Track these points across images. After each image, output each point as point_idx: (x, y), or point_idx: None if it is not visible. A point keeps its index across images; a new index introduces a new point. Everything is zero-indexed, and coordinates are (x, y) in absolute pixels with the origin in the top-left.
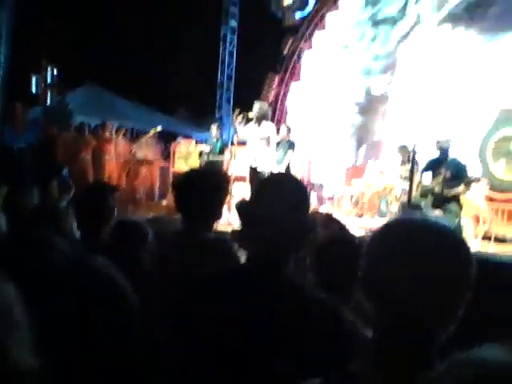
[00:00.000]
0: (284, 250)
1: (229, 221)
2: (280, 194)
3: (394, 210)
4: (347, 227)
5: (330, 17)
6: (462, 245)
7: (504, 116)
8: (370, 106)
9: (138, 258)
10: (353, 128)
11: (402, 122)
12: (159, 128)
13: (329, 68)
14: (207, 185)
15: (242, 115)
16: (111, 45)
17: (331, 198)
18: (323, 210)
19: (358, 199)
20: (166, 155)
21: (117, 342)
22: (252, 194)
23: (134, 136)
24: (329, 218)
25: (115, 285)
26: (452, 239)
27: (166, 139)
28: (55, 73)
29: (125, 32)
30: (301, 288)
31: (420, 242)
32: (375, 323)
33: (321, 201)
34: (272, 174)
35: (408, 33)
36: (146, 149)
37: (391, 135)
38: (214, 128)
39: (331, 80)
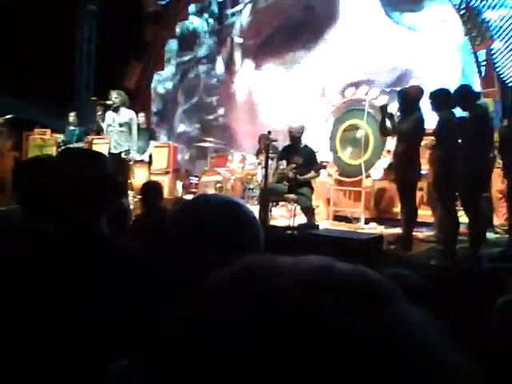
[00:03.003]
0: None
1: None
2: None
3: (255, 194)
4: None
5: (192, 7)
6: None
7: (349, 107)
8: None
9: None
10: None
11: (258, 113)
12: (9, 116)
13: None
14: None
15: (99, 103)
16: None
17: (196, 185)
18: (187, 197)
19: (222, 186)
20: (19, 145)
21: None
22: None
23: None
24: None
25: None
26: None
27: (20, 128)
28: None
29: None
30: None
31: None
32: None
33: (187, 188)
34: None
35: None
36: None
37: (250, 124)
38: (71, 116)
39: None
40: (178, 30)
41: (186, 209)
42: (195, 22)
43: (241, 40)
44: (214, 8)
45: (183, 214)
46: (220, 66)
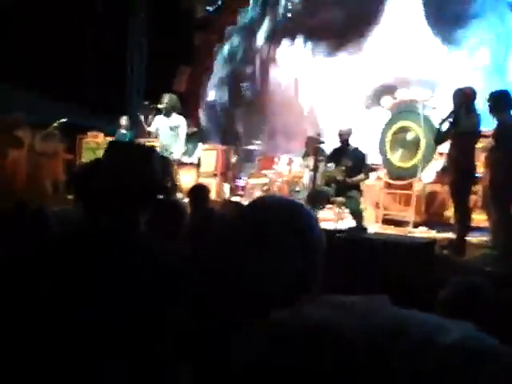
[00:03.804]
0: (129, 210)
1: None
2: (116, 159)
3: (302, 196)
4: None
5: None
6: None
7: (399, 109)
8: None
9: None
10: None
11: (307, 115)
12: (63, 120)
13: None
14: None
15: (151, 107)
16: (6, 34)
17: (243, 188)
18: (235, 199)
19: (268, 188)
20: (73, 148)
21: None
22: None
23: (38, 128)
24: (236, 205)
25: None
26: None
27: (73, 131)
28: None
29: (22, 20)
30: (150, 246)
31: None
32: None
33: (234, 191)
34: (111, 142)
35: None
36: (50, 141)
37: (298, 127)
38: (123, 120)
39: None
40: None
41: (243, 212)
42: None
43: (289, 14)
44: None
45: (240, 218)
46: (261, 38)
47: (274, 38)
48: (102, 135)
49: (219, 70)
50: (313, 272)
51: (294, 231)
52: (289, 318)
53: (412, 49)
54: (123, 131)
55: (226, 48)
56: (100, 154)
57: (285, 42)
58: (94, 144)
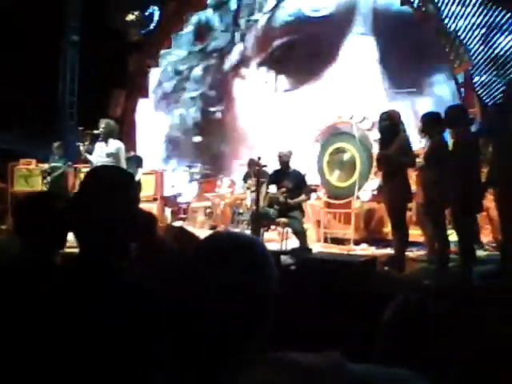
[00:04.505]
0: (112, 242)
1: None
2: (99, 186)
3: (245, 218)
4: (199, 239)
5: (174, 37)
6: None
7: (334, 131)
8: (209, 128)
9: None
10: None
11: (246, 139)
12: None
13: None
14: (49, 208)
15: (87, 133)
16: None
17: (186, 211)
18: (177, 223)
19: (211, 211)
20: (3, 175)
21: None
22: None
23: None
24: (180, 230)
25: None
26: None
27: (5, 159)
28: None
29: None
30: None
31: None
32: None
33: (176, 214)
34: (95, 168)
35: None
36: None
37: (237, 151)
38: (55, 146)
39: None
40: (193, 19)
41: (202, 247)
42: (210, 14)
43: (249, 50)
44: (231, 6)
45: (201, 251)
46: (228, 63)
47: (241, 64)
48: (34, 162)
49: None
50: (268, 303)
51: (249, 264)
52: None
53: (361, 89)
54: (56, 157)
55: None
56: (33, 181)
57: (250, 68)
58: (27, 171)
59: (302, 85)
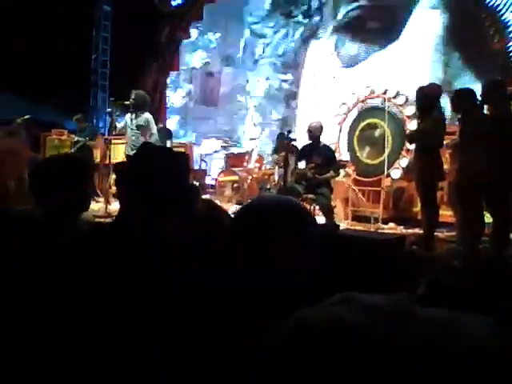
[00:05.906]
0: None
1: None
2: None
3: (272, 194)
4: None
5: (207, 9)
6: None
7: (365, 107)
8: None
9: None
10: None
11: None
12: (27, 117)
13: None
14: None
15: (118, 104)
16: None
17: (213, 186)
18: (205, 197)
19: (238, 186)
20: (37, 145)
21: None
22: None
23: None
24: (207, 202)
25: None
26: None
27: (37, 129)
28: None
29: None
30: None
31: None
32: None
33: (203, 189)
34: (145, 144)
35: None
36: (12, 138)
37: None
38: (75, 118)
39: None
40: None
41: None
42: None
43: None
44: None
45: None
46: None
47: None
48: (66, 132)
49: None
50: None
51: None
52: (316, 316)
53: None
54: (84, 127)
55: None
56: (63, 151)
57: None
58: (58, 142)
59: (367, 57)
